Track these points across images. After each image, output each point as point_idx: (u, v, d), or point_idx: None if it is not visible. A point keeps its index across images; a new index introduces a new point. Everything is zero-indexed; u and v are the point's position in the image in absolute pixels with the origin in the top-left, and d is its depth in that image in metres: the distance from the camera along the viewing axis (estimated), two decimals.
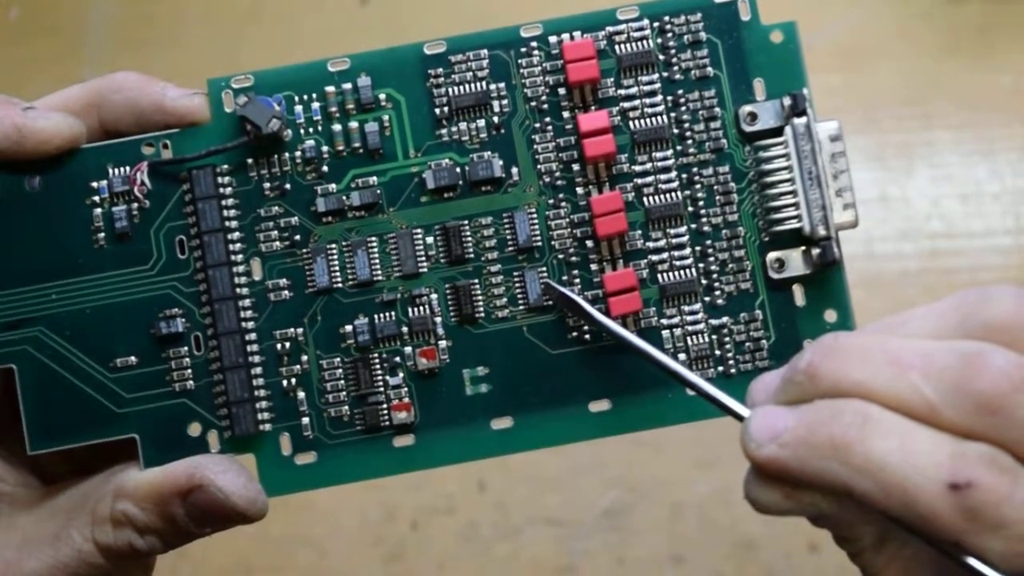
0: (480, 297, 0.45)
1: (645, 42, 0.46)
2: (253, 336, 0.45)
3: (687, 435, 0.85)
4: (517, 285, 0.45)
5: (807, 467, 0.35)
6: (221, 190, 0.45)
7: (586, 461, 0.86)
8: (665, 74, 0.46)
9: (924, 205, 0.89)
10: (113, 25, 0.96)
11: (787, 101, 0.44)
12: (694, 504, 0.85)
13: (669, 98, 0.45)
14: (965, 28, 0.92)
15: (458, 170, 0.45)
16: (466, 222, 0.45)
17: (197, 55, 0.94)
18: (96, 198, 0.45)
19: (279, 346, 0.45)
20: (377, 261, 0.45)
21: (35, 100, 0.46)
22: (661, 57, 0.46)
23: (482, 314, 0.45)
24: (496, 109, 0.45)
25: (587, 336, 0.45)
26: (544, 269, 0.45)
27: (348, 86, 0.45)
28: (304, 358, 0.45)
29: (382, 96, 0.45)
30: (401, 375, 0.45)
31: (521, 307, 0.45)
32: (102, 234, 0.45)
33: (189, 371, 0.45)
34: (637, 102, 0.45)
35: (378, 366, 0.45)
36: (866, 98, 0.84)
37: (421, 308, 0.45)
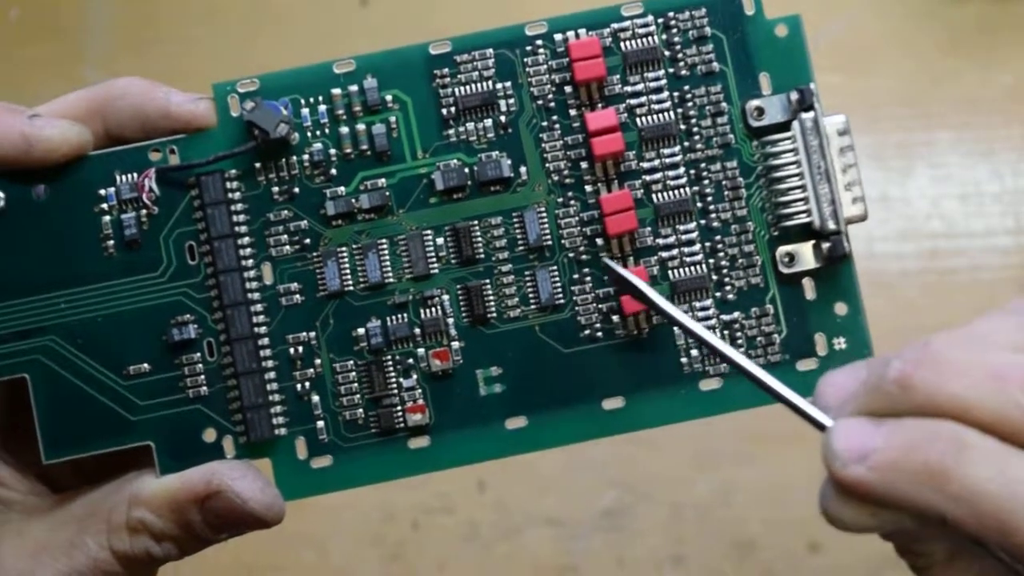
0: (492, 297, 0.45)
1: (650, 38, 0.46)
2: (266, 341, 0.45)
3: (687, 435, 0.85)
4: (528, 284, 0.45)
5: (897, 491, 0.34)
6: (230, 195, 0.45)
7: (586, 461, 0.86)
8: (671, 70, 0.46)
9: (924, 205, 0.89)
10: (114, 25, 0.95)
11: (794, 96, 0.44)
12: (694, 504, 0.85)
13: (675, 94, 0.46)
14: (965, 28, 0.92)
15: (466, 170, 0.45)
16: (476, 222, 0.45)
17: (198, 55, 0.93)
18: (104, 205, 0.45)
19: (292, 350, 0.45)
20: (388, 263, 0.45)
21: (36, 102, 0.45)
22: (666, 53, 0.46)
23: (494, 314, 0.45)
24: (503, 108, 0.45)
25: (599, 334, 0.45)
26: (555, 268, 0.45)
27: (354, 88, 0.45)
28: (317, 362, 0.45)
29: (388, 97, 0.45)
30: (415, 377, 0.45)
31: (533, 306, 0.45)
32: (111, 242, 0.45)
33: (203, 377, 0.45)
34: (644, 99, 0.46)
35: (391, 368, 0.45)
36: (866, 98, 0.84)
37: (433, 309, 0.45)
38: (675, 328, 0.45)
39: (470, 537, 0.86)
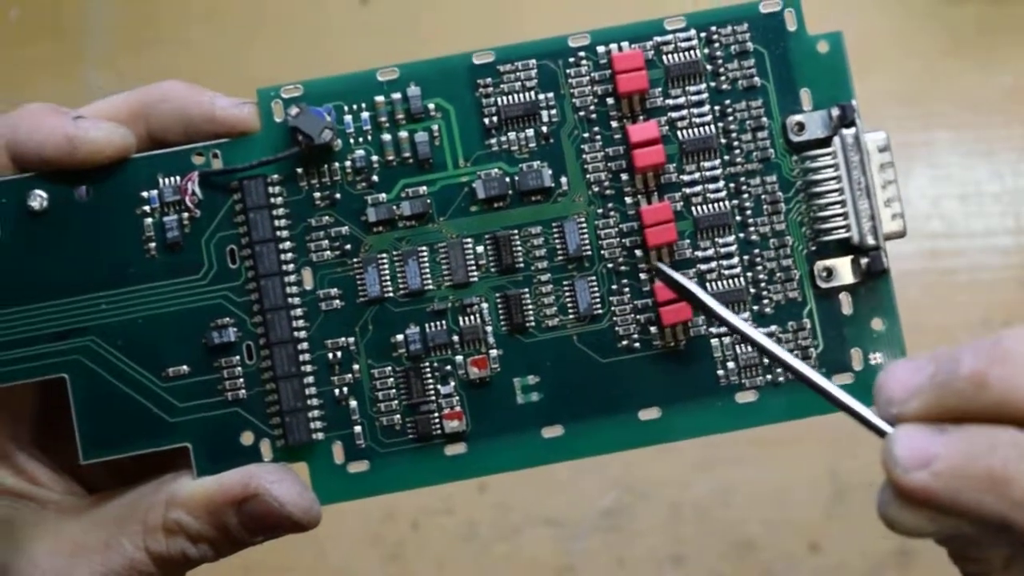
0: (530, 306, 0.45)
1: (692, 52, 0.46)
2: (305, 345, 0.45)
3: None
4: (567, 294, 0.45)
5: (960, 498, 0.34)
6: (272, 200, 0.45)
7: (586, 461, 0.85)
8: (712, 84, 0.46)
9: (924, 205, 0.89)
10: (114, 25, 0.96)
11: (835, 112, 0.45)
12: (694, 504, 0.85)
13: (716, 108, 0.46)
14: (965, 28, 0.93)
15: (508, 180, 0.45)
16: (516, 231, 0.45)
17: (198, 55, 0.94)
18: (146, 208, 0.45)
19: (331, 355, 0.45)
20: (428, 270, 0.45)
21: (36, 102, 0.45)
22: (708, 67, 0.46)
23: (532, 323, 0.45)
24: (545, 119, 0.46)
25: (637, 344, 0.45)
26: (594, 278, 0.45)
27: (397, 96, 0.46)
28: (356, 367, 0.45)
29: (431, 106, 0.46)
30: (452, 384, 0.45)
31: (571, 316, 0.45)
32: (153, 244, 0.45)
33: (241, 380, 0.45)
34: (685, 112, 0.46)
35: (429, 375, 0.45)
36: (866, 98, 0.85)
37: (472, 317, 0.45)
38: (711, 341, 0.45)
39: (469, 537, 0.86)
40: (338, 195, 0.45)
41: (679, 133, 0.46)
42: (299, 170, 0.45)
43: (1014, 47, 0.92)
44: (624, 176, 0.46)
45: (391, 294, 0.45)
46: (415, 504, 0.87)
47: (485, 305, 0.45)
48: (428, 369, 0.45)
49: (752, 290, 0.46)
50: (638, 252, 0.45)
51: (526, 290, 0.45)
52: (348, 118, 0.46)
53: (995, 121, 0.91)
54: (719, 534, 0.85)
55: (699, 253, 0.46)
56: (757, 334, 0.41)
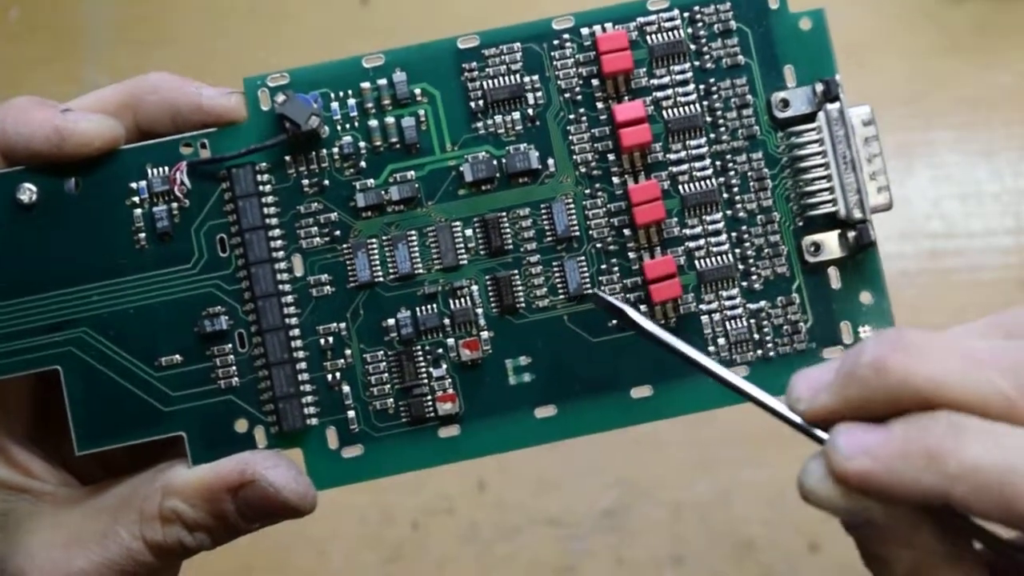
0: (520, 288, 0.46)
1: (676, 32, 0.46)
2: (297, 332, 0.45)
3: (687, 435, 0.85)
4: (557, 275, 0.46)
5: (900, 478, 0.35)
6: (261, 188, 0.45)
7: (586, 461, 0.86)
8: (696, 63, 0.46)
9: (924, 205, 0.89)
10: (113, 25, 0.96)
11: (819, 87, 0.45)
12: (694, 504, 0.85)
13: (701, 87, 0.46)
14: (965, 28, 0.93)
15: (495, 162, 0.46)
16: (504, 214, 0.46)
17: (197, 55, 0.94)
18: (136, 199, 0.45)
19: (322, 341, 0.45)
20: (417, 254, 0.45)
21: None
22: (692, 47, 0.46)
23: (523, 304, 0.45)
24: (531, 101, 0.46)
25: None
26: (583, 258, 0.45)
27: (383, 82, 0.46)
28: (348, 352, 0.45)
29: (417, 91, 0.46)
30: (444, 366, 0.45)
31: (561, 296, 0.45)
32: (143, 234, 0.45)
33: (234, 368, 0.45)
34: (670, 91, 0.46)
35: (421, 358, 0.45)
36: (865, 98, 0.85)
37: (462, 300, 0.45)
38: (701, 318, 0.46)
39: (470, 537, 0.86)
40: (326, 182, 0.46)
41: (664, 112, 0.46)
42: (287, 157, 0.45)
43: (1014, 47, 0.92)
44: (611, 156, 0.46)
45: (381, 279, 0.45)
46: (415, 504, 0.87)
47: (475, 287, 0.45)
48: (420, 352, 0.45)
49: (740, 266, 0.46)
50: (626, 232, 0.46)
51: (516, 272, 0.46)
52: (335, 105, 0.46)
53: (995, 121, 0.91)
54: (719, 534, 0.85)
55: (687, 231, 0.46)
56: (703, 358, 0.41)
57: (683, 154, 0.46)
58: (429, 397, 0.45)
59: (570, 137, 0.46)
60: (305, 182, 0.45)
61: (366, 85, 0.46)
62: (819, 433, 0.38)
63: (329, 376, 0.45)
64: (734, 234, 0.46)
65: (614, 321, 0.45)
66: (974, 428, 0.34)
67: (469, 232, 0.46)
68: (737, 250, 0.46)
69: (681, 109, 0.46)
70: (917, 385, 0.35)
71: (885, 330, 0.37)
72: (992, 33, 0.92)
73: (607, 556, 0.85)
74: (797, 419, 0.38)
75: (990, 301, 0.87)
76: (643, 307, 0.45)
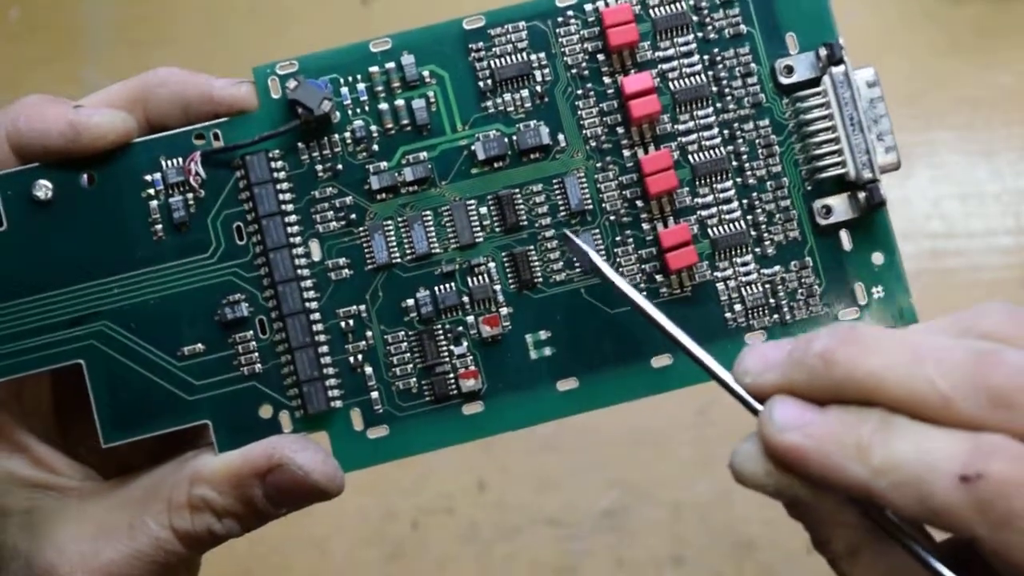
0: (537, 262, 0.46)
1: (678, 4, 0.47)
2: (317, 316, 0.45)
3: (687, 435, 0.86)
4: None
5: (829, 460, 0.36)
6: (275, 175, 0.45)
7: (586, 461, 0.86)
8: (700, 34, 0.47)
9: (924, 205, 0.90)
10: (113, 25, 0.96)
11: (823, 51, 0.45)
12: (694, 504, 0.86)
13: (706, 57, 0.47)
14: (965, 28, 0.93)
15: (506, 140, 0.46)
16: (518, 190, 0.46)
17: (198, 55, 0.94)
18: (151, 191, 0.45)
19: (343, 323, 0.45)
20: (433, 234, 0.46)
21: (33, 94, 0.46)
22: (695, 18, 0.47)
23: (540, 279, 0.46)
24: (538, 78, 0.46)
25: (644, 293, 0.46)
26: (597, 231, 0.46)
27: (391, 65, 0.46)
28: (369, 334, 0.45)
29: (426, 73, 0.46)
30: (465, 344, 0.46)
31: (578, 269, 0.46)
32: (160, 225, 0.45)
33: (256, 354, 0.45)
34: (675, 63, 0.47)
35: (442, 337, 0.46)
36: None
37: (480, 277, 0.46)
38: (717, 286, 0.46)
39: (470, 537, 0.86)
40: (340, 166, 0.46)
41: (671, 84, 0.46)
42: (300, 144, 0.46)
43: (1014, 47, 0.93)
44: (620, 129, 0.46)
45: (399, 260, 0.46)
46: (415, 504, 0.87)
47: (492, 264, 0.46)
48: (440, 331, 0.46)
49: (753, 232, 0.46)
50: (639, 203, 0.46)
51: (531, 247, 0.46)
52: (344, 90, 0.46)
53: (995, 121, 0.91)
54: (719, 534, 0.85)
55: (699, 200, 0.46)
56: (654, 311, 0.42)
57: (691, 124, 0.46)
58: (452, 375, 0.45)
59: (579, 112, 0.46)
60: (319, 167, 0.46)
61: (375, 69, 0.46)
62: (757, 405, 0.39)
63: (351, 358, 0.45)
64: (745, 201, 0.46)
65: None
66: (902, 426, 0.35)
67: (484, 210, 0.46)
68: (749, 216, 0.46)
69: (687, 80, 0.46)
70: (859, 378, 0.36)
71: (840, 324, 0.39)
72: (992, 33, 0.93)
73: (607, 556, 0.85)
74: (738, 388, 0.39)
75: (990, 301, 0.87)
76: (659, 277, 0.46)
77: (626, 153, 0.46)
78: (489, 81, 0.46)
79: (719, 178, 0.46)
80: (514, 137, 0.46)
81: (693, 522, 0.85)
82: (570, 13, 0.47)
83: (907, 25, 0.93)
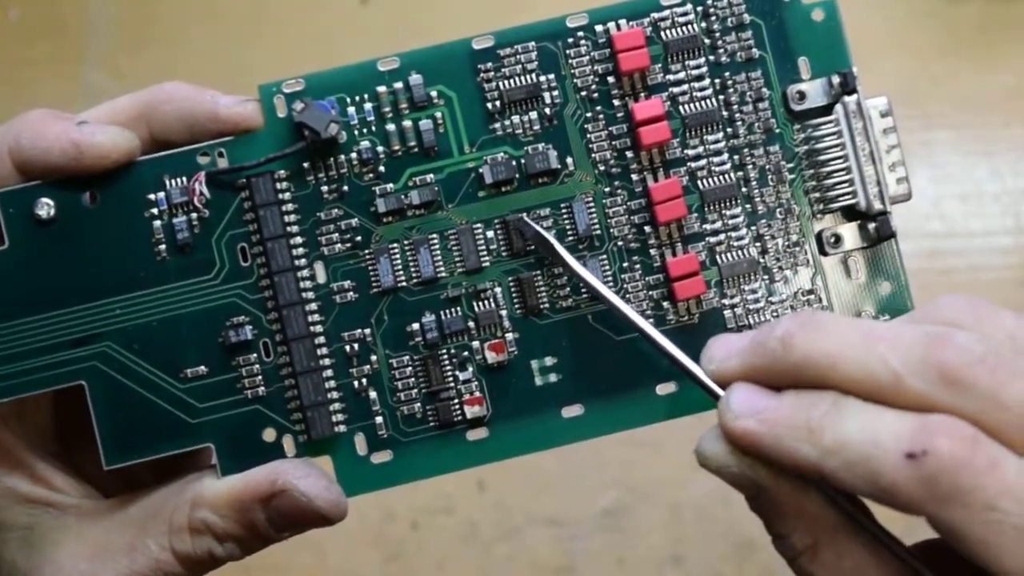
0: (543, 288, 0.46)
1: (690, 27, 0.46)
2: (322, 339, 0.45)
3: (687, 435, 0.85)
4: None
5: (781, 443, 0.37)
6: (280, 196, 0.45)
7: (586, 461, 0.86)
8: (711, 58, 0.46)
9: (924, 205, 0.89)
10: (114, 25, 0.95)
11: (836, 79, 0.45)
12: (694, 504, 0.86)
13: (717, 81, 0.46)
14: (965, 28, 0.93)
15: (514, 163, 0.46)
16: (525, 214, 0.46)
17: (198, 55, 0.93)
18: (155, 210, 0.45)
19: (348, 348, 0.45)
20: (440, 258, 0.45)
21: (36, 102, 0.45)
22: (706, 41, 0.46)
23: (546, 305, 0.46)
24: (547, 100, 0.46)
25: (651, 320, 0.45)
26: (604, 257, 0.46)
27: (399, 85, 0.46)
28: (373, 358, 0.45)
29: (434, 93, 0.46)
30: (471, 369, 0.45)
31: (584, 295, 0.46)
32: (163, 246, 0.45)
33: (260, 377, 0.45)
34: (686, 87, 0.46)
35: (447, 362, 0.45)
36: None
37: (486, 302, 0.45)
38: (725, 313, 0.46)
39: (470, 537, 0.86)
40: (346, 187, 0.45)
41: (681, 108, 0.46)
42: (306, 165, 0.45)
43: (1014, 47, 0.92)
44: (629, 154, 0.46)
45: (404, 283, 0.45)
46: (415, 504, 0.87)
47: (499, 289, 0.46)
48: (446, 356, 0.45)
49: (761, 260, 0.46)
50: (647, 229, 0.46)
51: (538, 272, 0.46)
52: (351, 110, 0.46)
53: (995, 121, 0.91)
54: (719, 534, 0.85)
55: (707, 227, 0.46)
56: (617, 299, 0.43)
57: (701, 149, 0.46)
58: (456, 401, 0.45)
59: (588, 135, 0.46)
60: (324, 188, 0.45)
61: (382, 89, 0.46)
62: (719, 392, 0.40)
63: (356, 383, 0.45)
64: (754, 228, 0.46)
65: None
66: (852, 407, 0.36)
67: (491, 234, 0.46)
68: (758, 244, 0.46)
69: (697, 104, 0.46)
70: (816, 360, 0.37)
71: (803, 310, 0.41)
72: (993, 33, 0.92)
73: (607, 556, 0.85)
74: (701, 375, 0.41)
75: (990, 301, 0.87)
76: (666, 304, 0.46)
77: (635, 178, 0.46)
78: (498, 102, 0.46)
79: (728, 205, 0.46)
80: (522, 160, 0.46)
81: (693, 522, 0.86)
82: (581, 34, 0.46)
83: (907, 25, 0.93)
